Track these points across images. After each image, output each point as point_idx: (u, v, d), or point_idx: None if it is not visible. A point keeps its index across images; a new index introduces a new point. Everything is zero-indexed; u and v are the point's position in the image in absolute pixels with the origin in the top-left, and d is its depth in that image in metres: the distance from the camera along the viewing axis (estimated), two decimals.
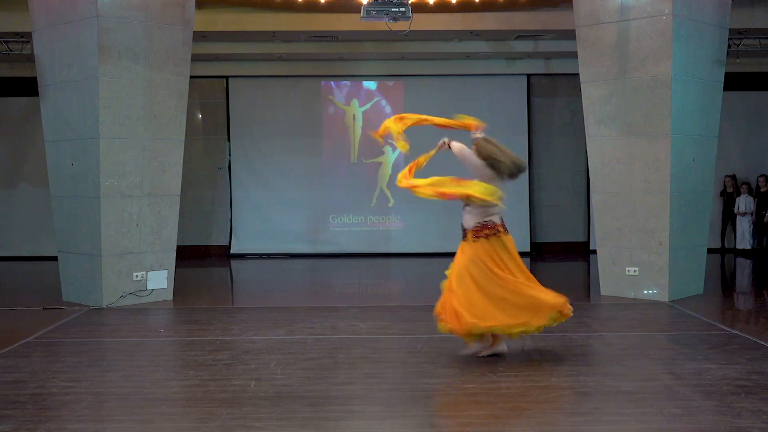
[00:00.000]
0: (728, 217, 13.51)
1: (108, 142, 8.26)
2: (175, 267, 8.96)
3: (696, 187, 8.73)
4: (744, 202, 13.16)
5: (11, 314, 8.12)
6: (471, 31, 11.42)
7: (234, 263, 13.03)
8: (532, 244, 13.67)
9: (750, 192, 13.23)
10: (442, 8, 10.35)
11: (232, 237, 13.71)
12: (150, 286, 8.68)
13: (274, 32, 11.38)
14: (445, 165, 6.19)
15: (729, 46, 9.27)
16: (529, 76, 13.68)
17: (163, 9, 8.50)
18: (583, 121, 8.96)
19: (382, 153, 13.61)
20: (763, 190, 13.09)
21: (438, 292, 5.92)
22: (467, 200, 5.84)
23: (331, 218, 13.67)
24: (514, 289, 5.71)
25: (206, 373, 5.56)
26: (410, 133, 6.18)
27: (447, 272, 5.90)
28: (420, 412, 4.68)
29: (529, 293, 5.72)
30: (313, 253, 13.44)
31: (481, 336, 5.81)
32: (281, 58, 12.99)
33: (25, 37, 10.59)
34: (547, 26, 11.22)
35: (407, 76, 13.62)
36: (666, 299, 8.45)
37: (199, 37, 10.88)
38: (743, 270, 11.71)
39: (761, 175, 13.18)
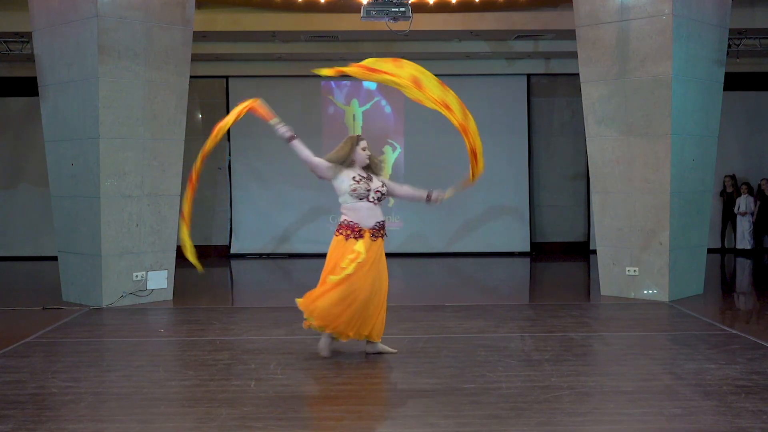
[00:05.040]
0: (728, 217, 13.52)
1: (108, 142, 8.26)
2: (175, 267, 8.96)
3: (696, 187, 8.73)
4: (744, 202, 13.17)
5: (11, 314, 8.12)
6: (471, 31, 11.42)
7: (234, 263, 13.03)
8: (532, 244, 13.67)
9: (750, 192, 13.23)
10: (442, 8, 10.36)
11: (232, 237, 13.72)
12: (150, 286, 8.68)
13: (274, 32, 11.38)
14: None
15: (729, 46, 9.27)
16: (529, 76, 13.68)
17: (163, 9, 8.50)
18: (583, 121, 8.97)
19: (382, 153, 13.61)
20: (767, 192, 13.08)
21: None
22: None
23: (331, 218, 13.63)
24: None
25: (206, 373, 5.56)
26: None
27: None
28: (420, 412, 4.68)
29: None
30: (313, 253, 13.40)
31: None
32: (281, 58, 12.99)
33: (25, 37, 10.59)
34: (547, 26, 11.23)
35: None
36: (666, 299, 8.45)
37: (199, 37, 10.88)
38: (743, 270, 11.71)
39: (765, 179, 13.18)
